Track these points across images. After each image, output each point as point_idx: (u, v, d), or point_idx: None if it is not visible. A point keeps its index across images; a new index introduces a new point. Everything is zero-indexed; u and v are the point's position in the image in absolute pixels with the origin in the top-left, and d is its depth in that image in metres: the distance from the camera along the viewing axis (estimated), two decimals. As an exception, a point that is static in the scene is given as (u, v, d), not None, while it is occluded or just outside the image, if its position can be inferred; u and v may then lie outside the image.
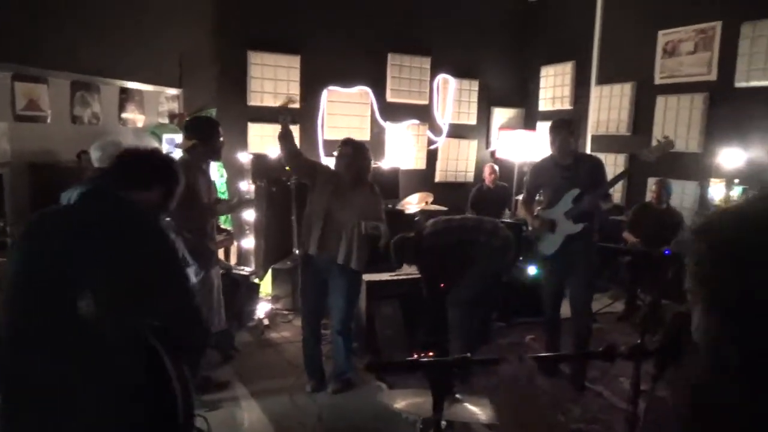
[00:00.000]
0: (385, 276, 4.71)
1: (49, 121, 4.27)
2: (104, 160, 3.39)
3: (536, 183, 4.11)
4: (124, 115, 5.07)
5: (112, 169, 1.75)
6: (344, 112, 6.78)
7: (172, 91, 5.68)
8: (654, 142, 4.07)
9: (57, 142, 4.26)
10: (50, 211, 1.71)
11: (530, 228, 4.17)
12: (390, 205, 6.34)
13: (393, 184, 6.52)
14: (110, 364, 1.49)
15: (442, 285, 4.30)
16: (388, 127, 7.01)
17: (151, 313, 1.60)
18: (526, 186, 4.26)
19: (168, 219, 3.00)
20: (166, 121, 5.58)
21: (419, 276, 4.44)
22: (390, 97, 6.99)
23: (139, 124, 5.27)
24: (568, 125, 3.93)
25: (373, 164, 6.54)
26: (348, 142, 3.80)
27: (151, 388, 1.55)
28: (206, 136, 3.47)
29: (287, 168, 3.98)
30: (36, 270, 1.54)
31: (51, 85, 4.26)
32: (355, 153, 3.69)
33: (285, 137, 3.71)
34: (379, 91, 6.91)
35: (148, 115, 5.35)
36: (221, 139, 3.56)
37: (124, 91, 5.03)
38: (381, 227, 3.57)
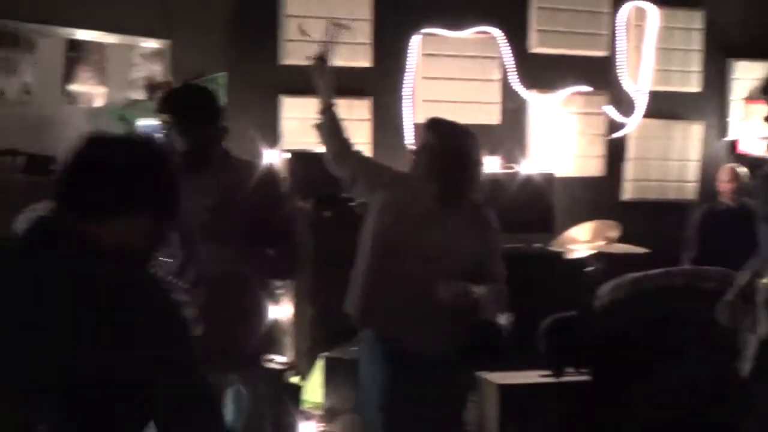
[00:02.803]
0: (530, 376, 4.74)
1: (-48, 99, 4.62)
2: None
3: None
4: (72, 87, 5.35)
5: (63, 186, 1.80)
6: (452, 75, 6.83)
7: (152, 44, 5.95)
8: None
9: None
10: None
11: None
12: (538, 245, 6.31)
13: (542, 206, 6.50)
14: None
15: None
16: (533, 99, 7.02)
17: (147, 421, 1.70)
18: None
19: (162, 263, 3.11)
20: (141, 96, 5.82)
21: (591, 380, 4.48)
22: (536, 46, 7.01)
23: (98, 102, 5.54)
24: None
25: (504, 167, 6.67)
26: (434, 125, 3.88)
27: None
28: (201, 118, 3.58)
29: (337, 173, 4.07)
30: None
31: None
32: (445, 144, 3.76)
33: (327, 116, 3.85)
34: (517, 34, 6.95)
35: (113, 85, 5.62)
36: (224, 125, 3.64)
37: (73, 45, 5.33)
38: (477, 291, 3.58)
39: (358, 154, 3.99)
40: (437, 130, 3.83)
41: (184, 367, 1.73)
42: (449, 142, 3.76)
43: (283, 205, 3.56)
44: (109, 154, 1.81)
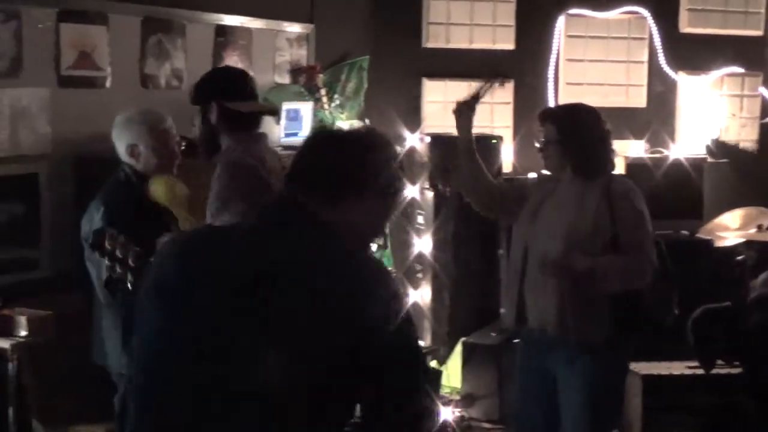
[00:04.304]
0: (677, 367, 4.67)
1: (108, 84, 4.78)
2: (146, 146, 3.61)
3: None
4: (220, 72, 5.51)
5: (298, 171, 1.90)
6: (597, 56, 6.78)
7: (296, 29, 6.04)
8: None
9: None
10: (208, 236, 1.92)
11: None
12: (685, 232, 6.20)
13: (691, 192, 6.36)
14: None
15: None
16: (683, 81, 6.90)
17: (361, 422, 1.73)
18: None
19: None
20: (286, 80, 5.93)
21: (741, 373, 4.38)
22: (687, 26, 6.89)
23: (244, 87, 5.69)
24: None
25: (650, 152, 6.52)
26: (550, 114, 3.80)
27: None
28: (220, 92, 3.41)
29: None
30: (198, 333, 1.72)
31: (112, 26, 4.77)
32: (564, 129, 3.66)
33: (467, 158, 3.83)
34: (666, 14, 6.84)
35: (259, 69, 5.69)
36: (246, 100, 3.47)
37: (220, 31, 5.47)
38: (583, 262, 3.48)
39: (500, 189, 3.94)
40: (553, 119, 3.75)
41: (403, 349, 1.75)
42: (567, 128, 3.68)
43: None
44: (340, 144, 1.92)
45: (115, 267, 3.14)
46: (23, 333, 3.85)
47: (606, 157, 3.71)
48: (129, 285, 3.07)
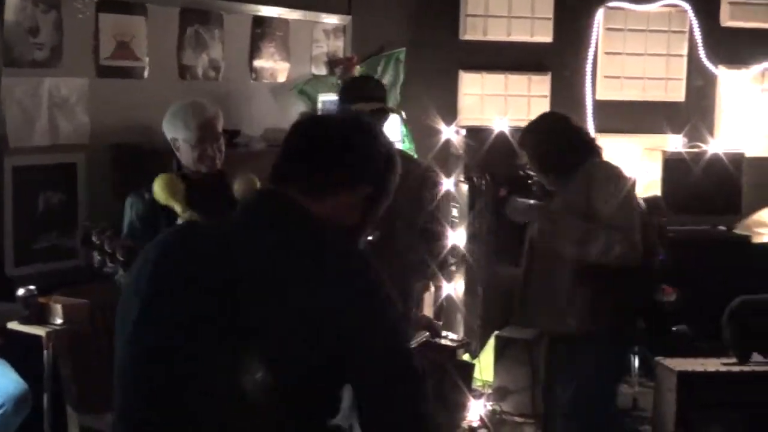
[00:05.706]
0: (712, 364, 4.56)
1: (146, 75, 4.79)
2: (184, 140, 3.50)
3: None
4: (257, 63, 5.50)
5: (281, 162, 1.86)
6: (636, 50, 6.71)
7: (333, 20, 6.02)
8: None
9: (157, 109, 4.73)
10: (189, 234, 1.90)
11: None
12: (723, 227, 6.15)
13: (730, 187, 6.27)
14: None
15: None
16: (723, 75, 6.78)
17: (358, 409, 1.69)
18: None
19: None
20: (323, 72, 5.91)
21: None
22: (728, 19, 6.76)
23: (281, 78, 5.66)
24: None
25: (688, 146, 6.44)
26: (528, 130, 3.95)
27: None
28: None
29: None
30: (170, 334, 1.71)
31: (150, 16, 4.77)
32: (538, 139, 3.81)
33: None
34: (707, 7, 6.73)
35: (296, 61, 5.72)
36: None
37: (258, 22, 5.47)
38: (571, 223, 3.56)
39: None
40: (527, 132, 3.97)
41: (387, 347, 1.70)
42: (542, 134, 3.85)
43: None
44: (324, 133, 1.87)
45: (105, 261, 3.11)
46: (59, 321, 3.85)
47: (571, 150, 3.76)
48: (120, 279, 3.05)
